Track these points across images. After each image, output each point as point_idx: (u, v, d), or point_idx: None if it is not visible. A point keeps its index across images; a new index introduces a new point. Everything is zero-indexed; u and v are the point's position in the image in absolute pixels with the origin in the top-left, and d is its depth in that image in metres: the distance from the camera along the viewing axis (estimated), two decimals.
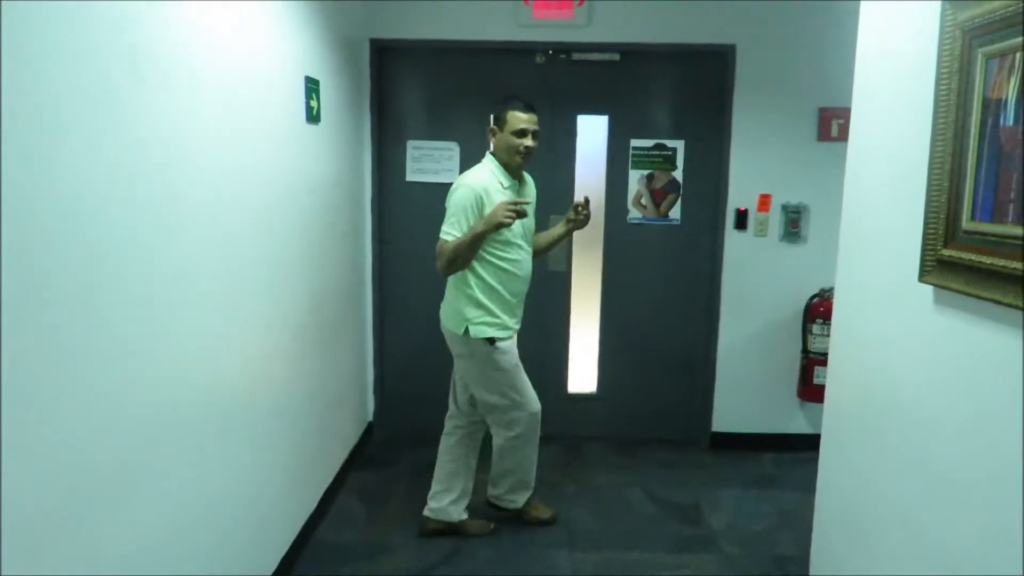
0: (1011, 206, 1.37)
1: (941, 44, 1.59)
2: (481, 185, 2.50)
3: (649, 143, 3.56)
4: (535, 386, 2.73)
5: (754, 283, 3.56)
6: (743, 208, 3.50)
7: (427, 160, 3.59)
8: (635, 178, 3.59)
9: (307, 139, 2.66)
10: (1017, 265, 1.33)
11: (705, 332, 3.67)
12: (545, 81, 3.50)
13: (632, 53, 3.48)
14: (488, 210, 2.45)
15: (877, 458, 1.92)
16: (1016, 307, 1.32)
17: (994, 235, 1.42)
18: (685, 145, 3.56)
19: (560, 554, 2.68)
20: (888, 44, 1.92)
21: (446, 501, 2.75)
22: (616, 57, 3.50)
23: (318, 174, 2.80)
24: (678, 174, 3.58)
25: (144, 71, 1.53)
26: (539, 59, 3.50)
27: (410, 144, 3.59)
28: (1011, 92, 1.38)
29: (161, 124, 1.60)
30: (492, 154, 2.60)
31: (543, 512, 2.89)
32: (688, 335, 3.70)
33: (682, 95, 3.57)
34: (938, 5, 1.60)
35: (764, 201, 3.49)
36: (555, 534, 2.82)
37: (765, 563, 2.64)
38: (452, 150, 3.58)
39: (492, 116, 2.61)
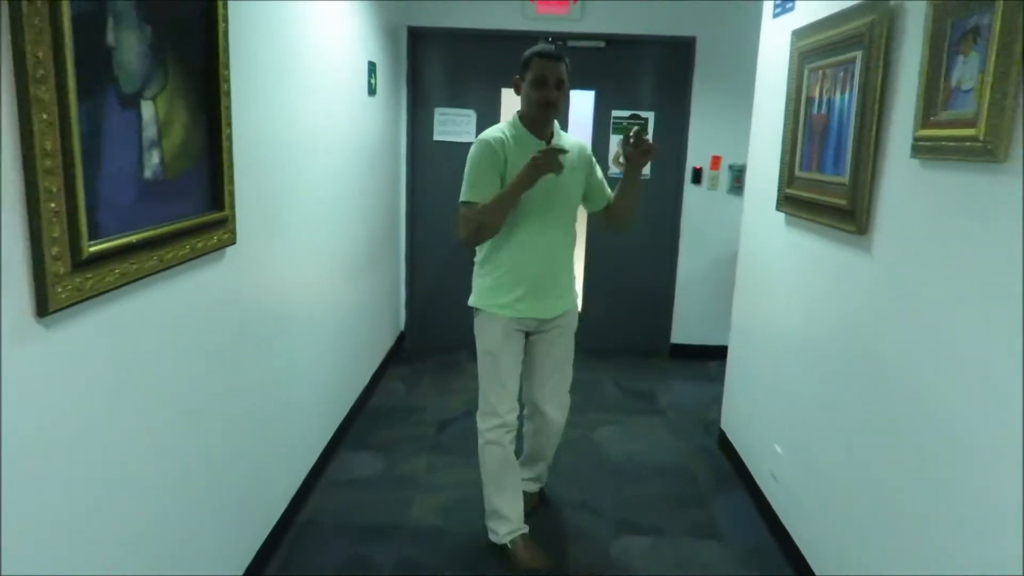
0: (816, 160, 2.33)
1: (790, 62, 2.54)
2: (494, 137, 2.21)
3: (627, 113, 4.49)
4: None
5: (706, 227, 4.52)
6: (699, 167, 4.45)
7: (450, 124, 4.52)
8: (615, 142, 4.52)
9: (367, 109, 3.58)
10: (818, 196, 2.29)
11: (667, 266, 4.64)
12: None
13: (615, 42, 4.39)
14: (509, 171, 2.17)
15: (755, 324, 2.93)
16: (820, 222, 2.29)
17: (808, 179, 2.38)
18: (655, 115, 4.49)
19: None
20: (769, 61, 2.87)
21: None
22: (602, 44, 4.41)
23: (373, 135, 3.73)
24: (649, 138, 4.50)
25: (286, 64, 2.47)
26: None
27: (436, 111, 4.51)
28: (818, 93, 2.33)
29: (297, 96, 2.54)
30: (518, 112, 2.29)
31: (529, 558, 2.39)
32: (654, 268, 4.67)
33: (653, 75, 4.48)
34: (789, 38, 2.54)
35: (715, 161, 4.44)
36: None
37: (695, 423, 3.66)
38: (470, 116, 4.50)
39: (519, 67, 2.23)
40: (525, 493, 2.52)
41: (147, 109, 1.46)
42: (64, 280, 1.22)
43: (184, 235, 1.63)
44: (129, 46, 1.38)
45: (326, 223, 2.95)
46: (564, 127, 4.51)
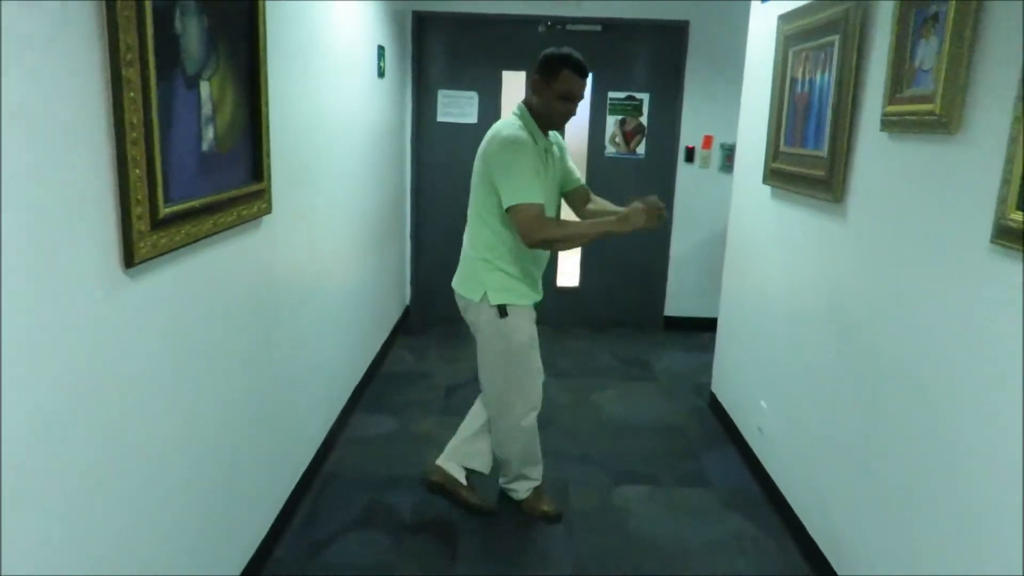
0: (799, 136, 2.53)
1: (776, 45, 2.73)
2: (525, 135, 2.22)
3: (622, 95, 4.67)
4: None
5: (698, 204, 4.72)
6: (691, 146, 4.64)
7: (453, 105, 4.69)
8: (611, 122, 4.71)
9: (376, 90, 3.76)
10: (799, 169, 2.50)
11: (661, 241, 4.85)
12: (545, 47, 4.56)
13: (611, 26, 4.57)
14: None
15: (743, 291, 3.15)
16: (801, 193, 2.50)
17: (792, 153, 2.59)
18: (650, 97, 4.68)
19: (548, 383, 3.89)
20: (758, 44, 3.06)
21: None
22: (599, 28, 4.58)
23: (382, 117, 3.91)
24: (644, 119, 4.70)
25: (307, 48, 2.65)
26: (541, 29, 4.58)
27: (440, 93, 4.68)
28: (801, 73, 2.52)
29: (317, 79, 2.72)
30: (525, 104, 2.32)
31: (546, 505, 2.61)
32: (648, 244, 4.87)
33: (648, 58, 4.66)
34: (776, 23, 2.74)
35: (707, 141, 4.64)
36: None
37: (687, 387, 3.88)
38: (472, 98, 4.68)
39: (541, 62, 2.27)
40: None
41: (204, 89, 1.65)
42: (145, 237, 1.41)
43: (232, 203, 1.82)
44: (191, 33, 1.57)
45: (342, 200, 3.14)
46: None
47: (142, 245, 1.40)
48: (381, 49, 3.76)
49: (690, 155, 4.66)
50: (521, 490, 2.62)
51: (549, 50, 2.30)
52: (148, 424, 1.53)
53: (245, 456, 2.09)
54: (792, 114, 2.58)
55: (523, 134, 2.21)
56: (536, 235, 2.15)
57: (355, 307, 3.46)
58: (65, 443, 1.25)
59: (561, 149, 2.46)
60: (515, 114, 2.31)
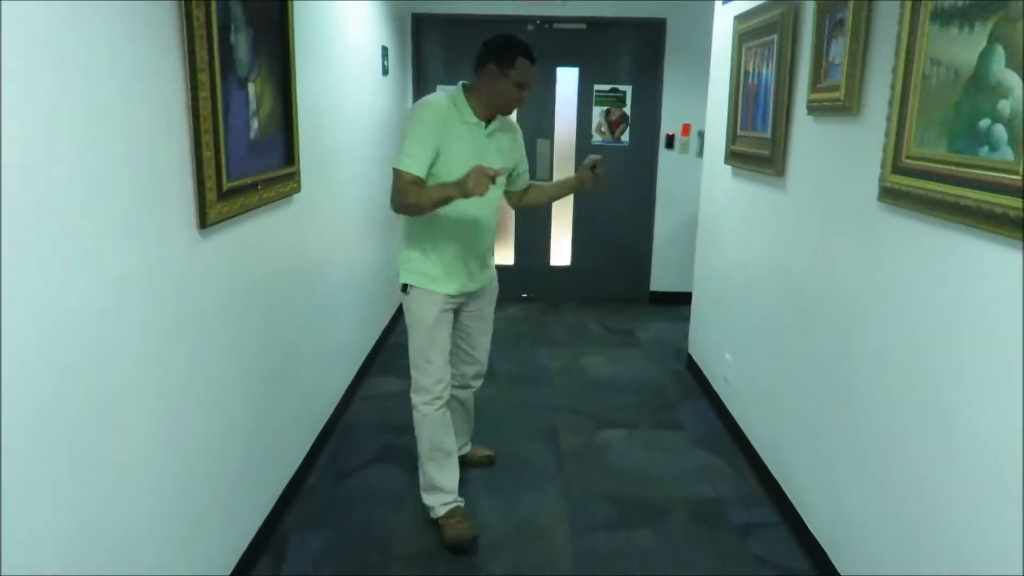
0: (751, 121, 2.92)
1: (732, 42, 3.12)
2: (442, 104, 2.21)
3: (607, 87, 5.06)
4: (527, 256, 4.25)
5: (679, 187, 5.11)
6: (671, 133, 5.03)
7: None
8: (597, 112, 5.09)
9: (381, 87, 4.14)
10: (751, 150, 2.89)
11: (645, 222, 5.24)
12: (534, 44, 4.92)
13: (595, 24, 4.95)
14: (444, 141, 2.19)
15: (712, 259, 3.55)
16: (753, 170, 2.89)
17: (746, 136, 2.98)
18: (632, 89, 5.06)
19: (542, 351, 4.31)
20: (719, 41, 3.45)
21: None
22: (583, 27, 4.97)
23: (385, 110, 4.29)
24: (627, 109, 5.09)
25: (326, 52, 3.04)
26: (530, 27, 4.96)
27: (439, 87, 5.05)
28: (752, 67, 2.92)
29: (333, 77, 3.11)
30: (465, 87, 2.28)
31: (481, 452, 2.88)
32: (634, 225, 5.27)
33: (630, 53, 5.04)
34: (731, 22, 3.13)
35: (686, 128, 5.02)
36: (537, 339, 4.45)
37: (668, 352, 4.29)
38: None
39: (490, 49, 2.24)
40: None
41: (251, 88, 2.04)
42: (214, 205, 1.81)
43: (272, 182, 2.21)
44: (241, 44, 1.96)
45: (353, 185, 3.53)
46: (552, 103, 5.10)
47: (212, 212, 1.80)
48: (385, 49, 4.15)
49: (670, 142, 5.04)
50: (429, 502, 2.45)
51: (496, 36, 2.28)
52: (216, 357, 1.92)
53: (284, 396, 2.49)
54: (746, 102, 2.97)
55: (440, 101, 2.21)
56: (394, 200, 2.23)
57: (365, 283, 3.86)
58: (169, 363, 1.65)
59: (514, 136, 2.43)
60: (446, 90, 2.29)
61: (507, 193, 2.54)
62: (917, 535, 1.71)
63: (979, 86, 1.46)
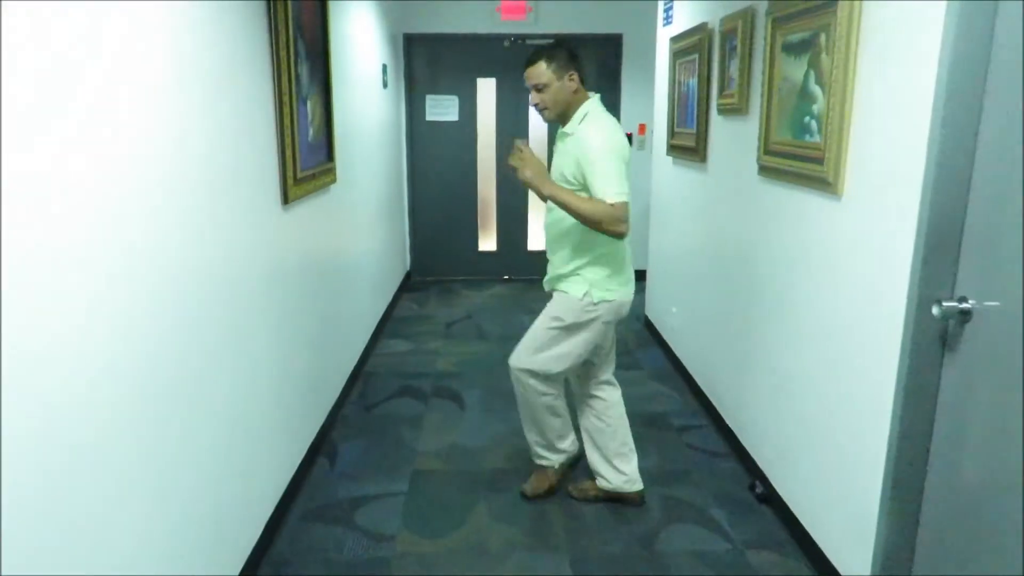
0: (683, 120, 3.73)
1: (669, 57, 3.93)
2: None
3: None
4: (508, 243, 5.00)
5: (637, 178, 5.90)
6: (630, 133, 5.84)
7: (438, 107, 5.85)
8: None
9: (382, 98, 4.90)
10: (683, 143, 3.69)
11: None
12: (510, 58, 5.76)
13: (562, 40, 5.73)
14: None
15: (661, 236, 4.35)
16: (685, 159, 3.70)
17: (680, 132, 3.79)
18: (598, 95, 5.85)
19: (524, 318, 5.06)
20: (661, 56, 4.26)
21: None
22: (552, 42, 5.73)
23: (385, 118, 5.05)
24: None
25: (349, 73, 3.79)
26: (506, 44, 5.74)
27: (428, 97, 5.83)
28: (683, 78, 3.73)
29: (352, 92, 3.87)
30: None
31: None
32: None
33: (594, 64, 5.84)
34: (668, 42, 3.94)
35: (642, 128, 5.83)
36: (520, 308, 5.22)
37: (631, 317, 5.05)
38: (453, 100, 5.83)
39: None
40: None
41: (308, 105, 2.79)
42: (292, 188, 2.56)
43: (320, 173, 2.96)
44: (303, 73, 2.71)
45: (366, 180, 4.28)
46: (525, 108, 5.87)
47: (291, 192, 2.55)
48: (384, 67, 4.90)
49: (629, 140, 5.85)
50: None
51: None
52: (295, 301, 2.67)
53: (330, 342, 3.24)
54: (680, 105, 3.78)
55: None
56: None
57: (376, 263, 4.61)
58: (270, 302, 2.39)
59: (572, 145, 2.37)
60: None
61: None
62: (796, 418, 2.51)
63: (803, 95, 2.26)
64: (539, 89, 2.35)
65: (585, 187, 2.30)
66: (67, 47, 1.28)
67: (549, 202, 2.38)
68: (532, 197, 5.81)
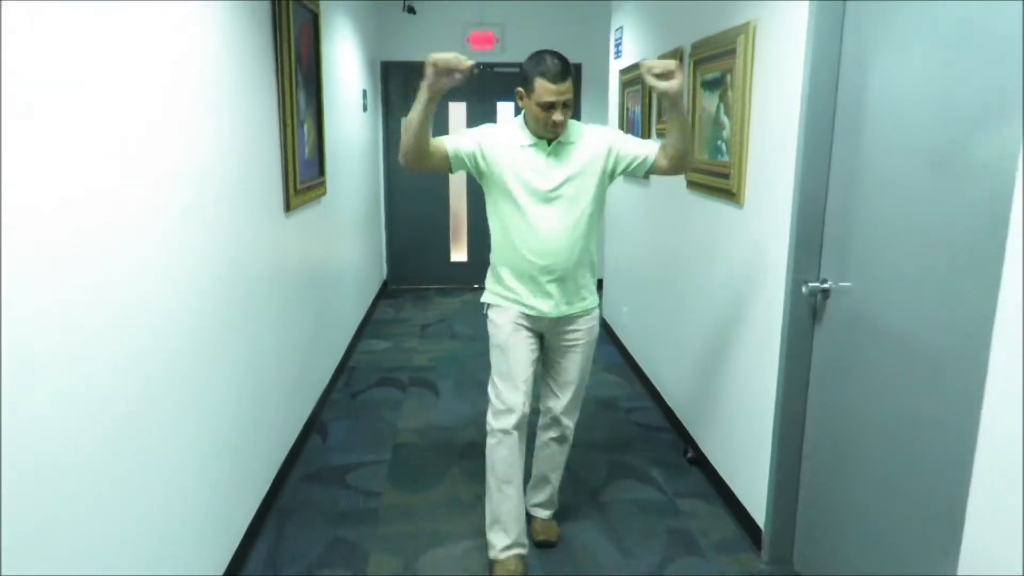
0: None
1: (620, 87, 4.47)
2: (496, 131, 2.27)
3: None
4: (478, 253, 5.47)
5: None
6: None
7: None
8: None
9: (362, 120, 5.36)
10: None
11: None
12: (480, 84, 6.27)
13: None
14: (489, 160, 2.23)
15: (614, 246, 4.87)
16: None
17: None
18: None
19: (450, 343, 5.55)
20: (612, 85, 4.80)
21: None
22: (518, 70, 6.28)
23: (366, 137, 5.51)
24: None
25: (336, 98, 4.26)
26: (475, 71, 6.24)
27: (402, 120, 6.29)
28: (630, 104, 4.26)
29: (338, 115, 4.33)
30: (523, 115, 2.25)
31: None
32: None
33: None
34: (617, 75, 4.48)
35: None
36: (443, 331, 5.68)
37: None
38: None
39: (520, 71, 2.25)
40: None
41: (305, 126, 3.25)
42: (293, 198, 3.00)
43: (313, 187, 3.41)
44: (301, 99, 3.17)
45: (348, 195, 4.73)
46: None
47: (292, 201, 3.00)
48: (364, 91, 5.38)
49: None
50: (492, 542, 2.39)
51: (529, 57, 2.27)
52: (294, 297, 3.11)
53: (320, 337, 3.67)
54: (628, 128, 4.31)
55: (497, 129, 2.30)
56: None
57: (355, 271, 5.05)
58: (271, 295, 2.83)
59: (595, 146, 2.26)
60: (516, 122, 2.31)
61: (653, 170, 2.32)
62: (715, 390, 3.01)
63: (716, 123, 2.79)
64: (566, 105, 2.15)
65: (604, 185, 2.31)
66: (117, 87, 1.74)
67: (567, 221, 2.24)
68: None
